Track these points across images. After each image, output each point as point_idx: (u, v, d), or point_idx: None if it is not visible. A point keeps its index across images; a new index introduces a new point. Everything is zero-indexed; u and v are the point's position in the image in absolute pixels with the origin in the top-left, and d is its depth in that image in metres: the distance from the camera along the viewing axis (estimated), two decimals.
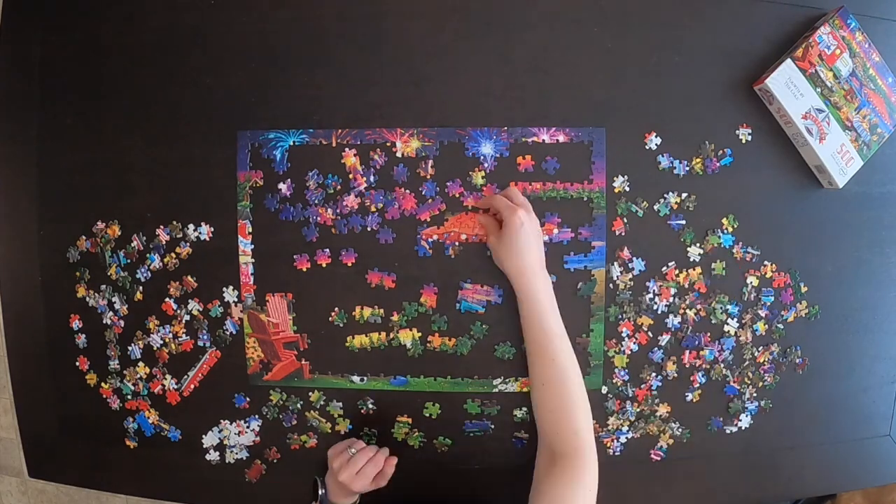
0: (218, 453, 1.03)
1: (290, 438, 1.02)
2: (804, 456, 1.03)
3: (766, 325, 0.99)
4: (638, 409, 0.99)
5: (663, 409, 0.99)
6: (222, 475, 1.04)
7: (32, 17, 1.02)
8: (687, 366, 0.98)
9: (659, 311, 0.97)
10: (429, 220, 0.96)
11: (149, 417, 1.03)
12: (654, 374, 0.98)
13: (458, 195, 0.95)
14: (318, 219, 0.97)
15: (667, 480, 1.02)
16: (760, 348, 0.99)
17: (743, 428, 1.01)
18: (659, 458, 1.01)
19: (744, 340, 0.98)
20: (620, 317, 0.97)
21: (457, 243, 0.96)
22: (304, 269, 0.97)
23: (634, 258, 0.96)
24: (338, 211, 0.96)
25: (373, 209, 0.96)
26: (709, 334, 0.98)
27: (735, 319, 0.98)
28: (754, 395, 1.00)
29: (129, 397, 1.03)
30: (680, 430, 1.00)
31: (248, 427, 1.02)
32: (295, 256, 0.97)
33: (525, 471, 1.00)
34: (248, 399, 1.01)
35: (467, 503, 1.02)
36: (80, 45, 1.00)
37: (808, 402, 1.01)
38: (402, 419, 1.00)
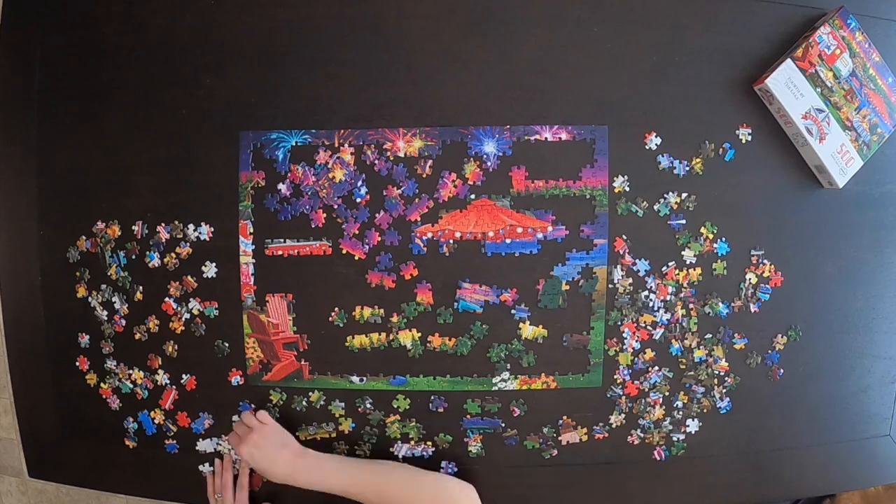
0: (212, 468, 1.03)
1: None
2: (804, 456, 1.03)
3: (765, 325, 0.99)
4: (640, 406, 0.99)
5: (659, 411, 1.00)
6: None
7: (32, 17, 1.02)
8: (687, 364, 0.99)
9: (655, 308, 0.97)
10: (419, 219, 0.96)
11: (154, 418, 1.03)
12: (656, 369, 0.98)
13: (452, 195, 0.95)
14: (318, 220, 0.97)
15: (667, 480, 1.02)
16: (758, 348, 0.99)
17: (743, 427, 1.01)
18: (660, 458, 1.01)
19: (740, 346, 0.99)
20: (620, 321, 0.97)
21: (451, 241, 0.96)
22: (305, 265, 0.97)
23: (637, 260, 0.96)
24: (339, 212, 0.96)
25: (363, 204, 0.96)
26: (708, 334, 0.98)
27: (727, 318, 0.98)
28: (730, 395, 1.00)
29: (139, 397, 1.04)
30: (681, 432, 1.00)
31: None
32: (294, 255, 0.97)
33: (524, 469, 1.00)
34: (252, 406, 1.01)
35: None
36: (80, 45, 1.00)
37: (808, 402, 1.01)
38: (396, 418, 1.00)
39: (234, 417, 1.02)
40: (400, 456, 1.01)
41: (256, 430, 0.94)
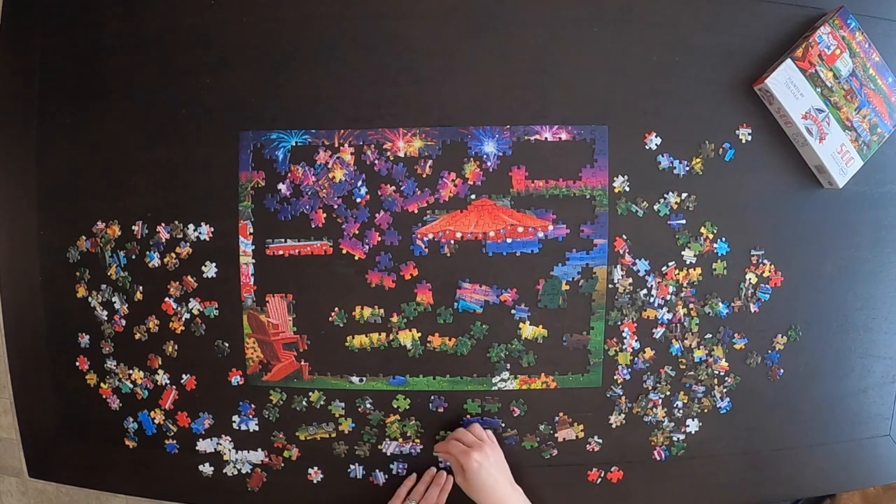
0: (212, 468, 1.03)
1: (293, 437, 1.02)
2: (804, 456, 1.03)
3: (765, 325, 0.99)
4: (640, 406, 0.99)
5: (660, 411, 1.00)
6: (222, 476, 1.04)
7: (32, 17, 1.02)
8: (688, 363, 0.99)
9: (656, 307, 0.97)
10: (416, 211, 0.96)
11: (154, 418, 1.03)
12: (657, 369, 0.98)
13: (452, 194, 0.96)
14: (318, 220, 0.97)
15: (667, 480, 1.02)
16: (758, 348, 0.99)
17: (746, 427, 1.01)
18: (660, 458, 1.01)
19: (740, 346, 0.99)
20: (620, 321, 0.97)
21: (452, 241, 0.96)
22: (305, 265, 0.97)
23: (637, 260, 0.96)
24: (339, 212, 0.96)
25: (363, 204, 0.96)
26: (708, 334, 0.98)
27: (726, 317, 0.98)
28: (730, 394, 1.00)
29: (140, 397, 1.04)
30: (681, 431, 1.00)
31: (247, 428, 1.02)
32: (294, 255, 0.97)
33: (524, 469, 1.00)
34: (252, 406, 1.01)
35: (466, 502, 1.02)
36: (80, 45, 1.00)
37: (808, 402, 1.01)
38: (396, 418, 1.00)
39: (448, 432, 0.99)
40: (388, 453, 1.01)
41: (490, 444, 0.93)
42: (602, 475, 1.01)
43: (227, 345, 1.00)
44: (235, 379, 1.01)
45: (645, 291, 0.97)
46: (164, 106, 0.98)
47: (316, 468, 1.02)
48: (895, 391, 1.03)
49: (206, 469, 1.04)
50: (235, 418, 1.02)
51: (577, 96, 0.95)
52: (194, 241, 0.99)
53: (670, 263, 0.97)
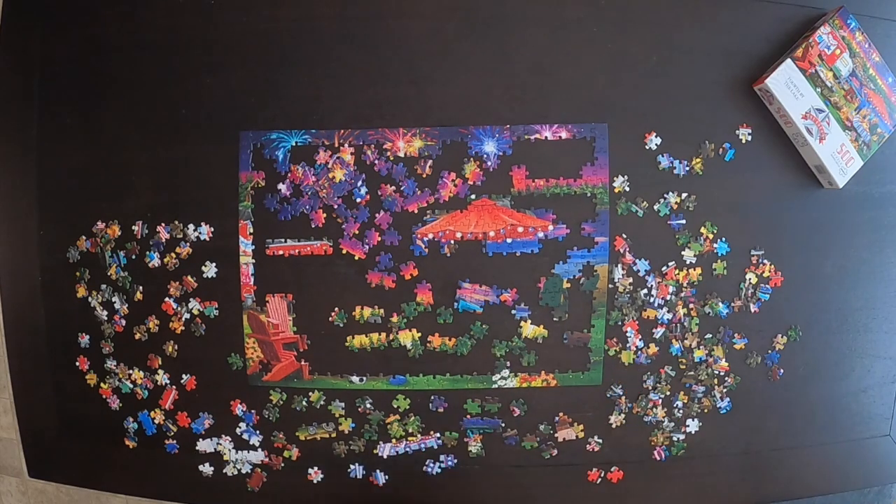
0: (212, 468, 1.04)
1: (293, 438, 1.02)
2: (804, 456, 1.03)
3: (765, 325, 0.99)
4: (641, 406, 0.99)
5: (660, 411, 1.00)
6: (222, 476, 1.04)
7: (32, 17, 1.02)
8: (689, 362, 0.99)
9: (656, 307, 0.97)
10: (416, 211, 0.96)
11: (154, 418, 1.03)
12: (657, 369, 0.98)
13: (452, 194, 0.96)
14: (318, 220, 0.97)
15: (667, 480, 1.02)
16: (758, 348, 0.99)
17: (746, 426, 1.01)
18: (660, 458, 1.01)
19: (740, 346, 0.99)
20: (622, 320, 0.97)
21: (452, 241, 0.96)
22: (305, 265, 0.97)
23: (637, 260, 0.96)
24: (339, 212, 0.96)
25: (363, 204, 0.96)
26: (708, 334, 0.98)
27: (726, 317, 0.98)
28: (734, 395, 1.00)
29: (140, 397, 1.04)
30: (682, 430, 1.00)
31: (248, 438, 1.02)
32: (294, 255, 0.97)
33: (524, 469, 1.00)
34: (257, 416, 1.01)
35: (466, 502, 1.02)
36: (80, 45, 1.00)
37: (807, 403, 1.01)
38: (395, 418, 1.00)
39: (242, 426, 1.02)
40: (384, 456, 1.01)
41: None
42: (602, 475, 1.01)
43: (238, 357, 1.00)
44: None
45: (645, 291, 0.97)
46: (164, 106, 0.98)
47: (316, 468, 1.02)
48: (895, 391, 1.03)
49: (206, 469, 1.04)
50: (242, 426, 1.02)
51: (576, 96, 0.95)
52: (194, 241, 0.99)
53: (670, 263, 0.97)
